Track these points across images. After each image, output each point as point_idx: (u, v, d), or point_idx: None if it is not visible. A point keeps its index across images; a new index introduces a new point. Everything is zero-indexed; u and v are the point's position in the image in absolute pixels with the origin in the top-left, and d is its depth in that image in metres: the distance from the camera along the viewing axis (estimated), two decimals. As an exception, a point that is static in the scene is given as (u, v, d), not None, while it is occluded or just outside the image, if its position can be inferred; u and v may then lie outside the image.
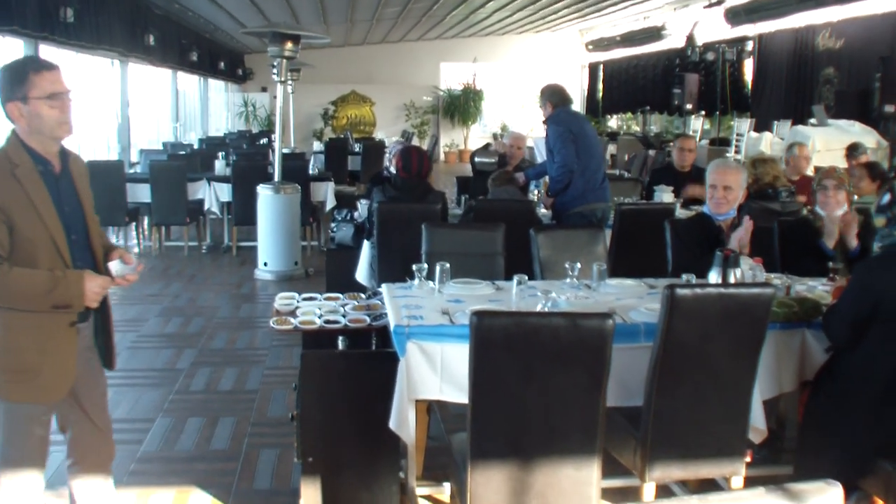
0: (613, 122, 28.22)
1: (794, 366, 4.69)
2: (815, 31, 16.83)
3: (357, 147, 18.67)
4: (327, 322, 4.93)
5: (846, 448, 4.13)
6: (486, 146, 11.49)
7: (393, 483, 4.52)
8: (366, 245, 7.51)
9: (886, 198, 4.40)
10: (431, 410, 5.31)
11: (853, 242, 5.76)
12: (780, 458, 5.21)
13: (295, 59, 12.45)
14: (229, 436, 5.94)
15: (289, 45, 10.63)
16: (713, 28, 19.86)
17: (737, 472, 4.28)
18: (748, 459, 4.36)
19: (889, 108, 12.56)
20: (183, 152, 15.88)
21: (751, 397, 4.22)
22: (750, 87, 18.97)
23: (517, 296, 4.72)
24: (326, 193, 13.02)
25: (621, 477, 4.61)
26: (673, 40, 21.79)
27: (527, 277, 4.83)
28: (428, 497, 4.97)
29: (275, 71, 10.94)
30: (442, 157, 28.40)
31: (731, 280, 4.71)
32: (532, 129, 23.24)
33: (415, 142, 25.52)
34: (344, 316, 5.04)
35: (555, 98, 8.14)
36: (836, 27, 16.21)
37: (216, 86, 26.78)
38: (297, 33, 10.85)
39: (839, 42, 16.10)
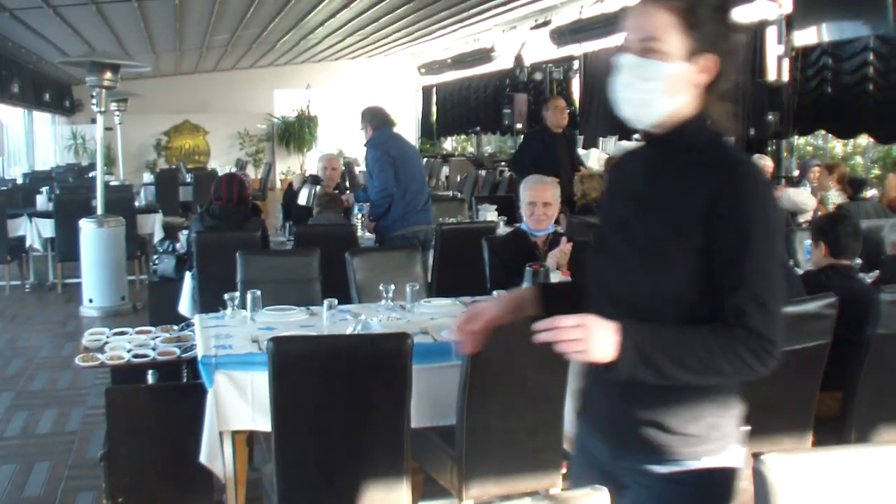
0: (449, 143, 28.44)
1: (608, 375, 4.75)
2: (636, 49, 17.33)
3: (189, 178, 18.32)
4: (136, 356, 4.78)
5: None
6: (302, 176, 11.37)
7: (208, 518, 4.41)
8: (188, 276, 7.34)
9: None
10: (256, 441, 5.20)
11: None
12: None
13: (117, 90, 12.17)
14: (44, 481, 5.68)
15: (108, 74, 10.35)
16: (540, 48, 20.21)
17: (554, 483, 4.30)
18: (564, 471, 4.41)
19: (705, 121, 13.00)
20: (4, 188, 15.29)
21: (563, 409, 4.25)
22: (577, 104, 19.40)
23: (328, 320, 4.67)
24: (154, 225, 12.70)
25: (441, 498, 4.59)
26: (502, 62, 22.10)
27: (337, 301, 4.79)
28: (250, 530, 4.85)
29: (94, 101, 10.62)
30: (278, 184, 28.08)
31: (542, 294, 4.75)
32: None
33: (249, 170, 25.21)
34: (154, 349, 4.90)
35: (375, 121, 8.08)
36: (654, 45, 16.71)
37: (42, 118, 25.90)
38: (116, 62, 10.57)
39: (658, 59, 16.61)
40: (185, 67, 26.20)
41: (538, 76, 20.18)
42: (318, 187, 8.79)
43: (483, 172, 16.89)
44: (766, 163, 10.24)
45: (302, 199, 8.71)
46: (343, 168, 10.07)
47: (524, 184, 6.04)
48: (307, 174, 10.47)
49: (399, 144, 8.16)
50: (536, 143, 9.67)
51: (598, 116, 18.73)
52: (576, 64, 19.72)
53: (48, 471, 5.84)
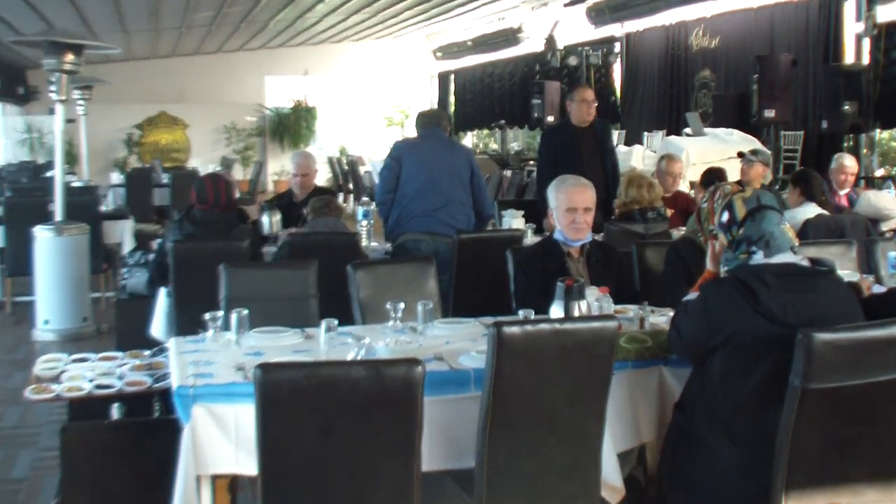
0: (469, 139, 28.46)
1: (653, 409, 4.70)
2: (688, 29, 17.33)
3: (165, 178, 18.38)
4: (98, 387, 4.77)
5: (704, 497, 4.15)
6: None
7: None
8: (162, 293, 7.33)
9: (725, 216, 4.41)
10: (241, 487, 5.18)
11: None
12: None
13: (80, 75, 12.23)
14: (-14, 537, 5.69)
15: (69, 56, 10.36)
16: (575, 29, 20.28)
17: (590, 537, 4.28)
18: (603, 522, 4.38)
19: (769, 114, 12.92)
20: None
21: (600, 449, 4.23)
22: (618, 94, 19.41)
23: (327, 344, 4.66)
24: (123, 234, 12.71)
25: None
26: (531, 44, 22.14)
27: (337, 322, 4.77)
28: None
29: (53, 88, 10.64)
30: (270, 186, 28.17)
31: (576, 313, 4.73)
32: (375, 151, 23.31)
33: (237, 169, 25.29)
34: (120, 378, 4.89)
35: (417, 124, 8.62)
36: (709, 23, 16.71)
37: (-9, 108, 26.09)
38: (79, 42, 10.59)
39: (714, 41, 16.61)
40: (162, 50, 26.34)
41: (573, 61, 20.19)
42: (278, 215, 8.57)
43: (508, 173, 16.89)
44: (848, 162, 10.04)
45: (265, 229, 8.49)
46: (317, 170, 9.82)
47: (557, 186, 5.99)
48: (263, 201, 10.20)
49: (416, 147, 8.36)
50: (555, 142, 9.65)
51: (643, 107, 18.76)
52: (617, 46, 19.76)
53: (-10, 526, 5.85)
